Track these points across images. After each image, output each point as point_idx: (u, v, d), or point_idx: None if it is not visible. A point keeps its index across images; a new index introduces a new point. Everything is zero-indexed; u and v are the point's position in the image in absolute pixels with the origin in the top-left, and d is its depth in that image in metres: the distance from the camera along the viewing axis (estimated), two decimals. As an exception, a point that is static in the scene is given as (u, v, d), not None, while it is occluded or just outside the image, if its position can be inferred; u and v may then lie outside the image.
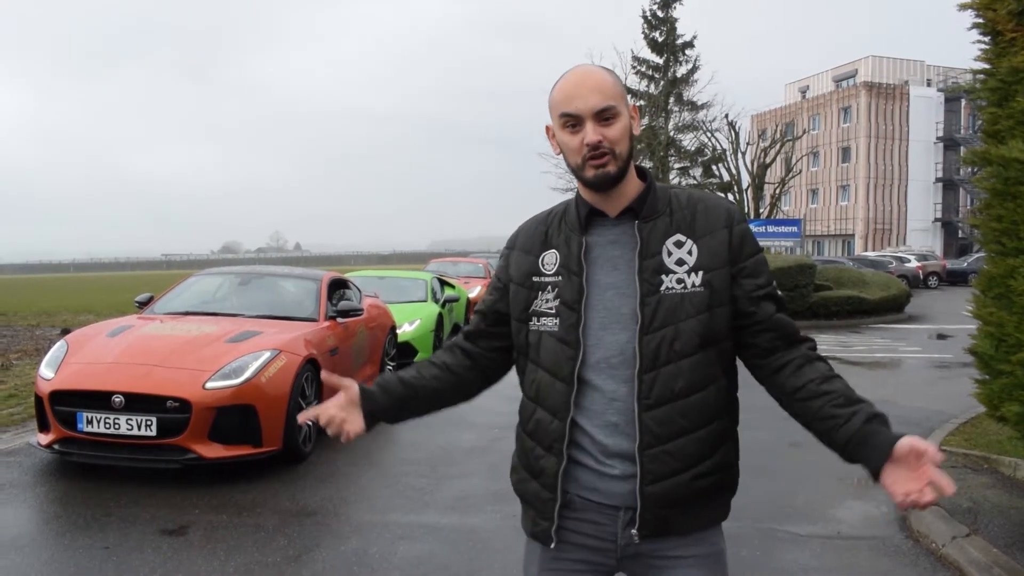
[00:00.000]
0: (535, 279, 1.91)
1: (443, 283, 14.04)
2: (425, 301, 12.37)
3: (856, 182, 55.70)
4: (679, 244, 1.82)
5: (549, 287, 1.89)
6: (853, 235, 55.91)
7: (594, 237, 1.88)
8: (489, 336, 2.07)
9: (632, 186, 1.87)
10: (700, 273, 1.80)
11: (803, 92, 63.76)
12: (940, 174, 55.60)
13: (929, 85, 57.50)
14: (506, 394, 8.35)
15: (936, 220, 56.16)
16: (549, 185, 36.94)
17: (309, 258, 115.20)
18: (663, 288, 1.79)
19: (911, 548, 4.64)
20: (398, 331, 10.13)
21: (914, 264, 34.42)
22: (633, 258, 1.82)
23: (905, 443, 1.64)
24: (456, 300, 13.60)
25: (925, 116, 55.40)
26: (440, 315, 12.09)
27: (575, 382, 1.83)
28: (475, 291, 16.80)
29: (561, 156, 1.87)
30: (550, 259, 1.91)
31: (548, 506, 1.88)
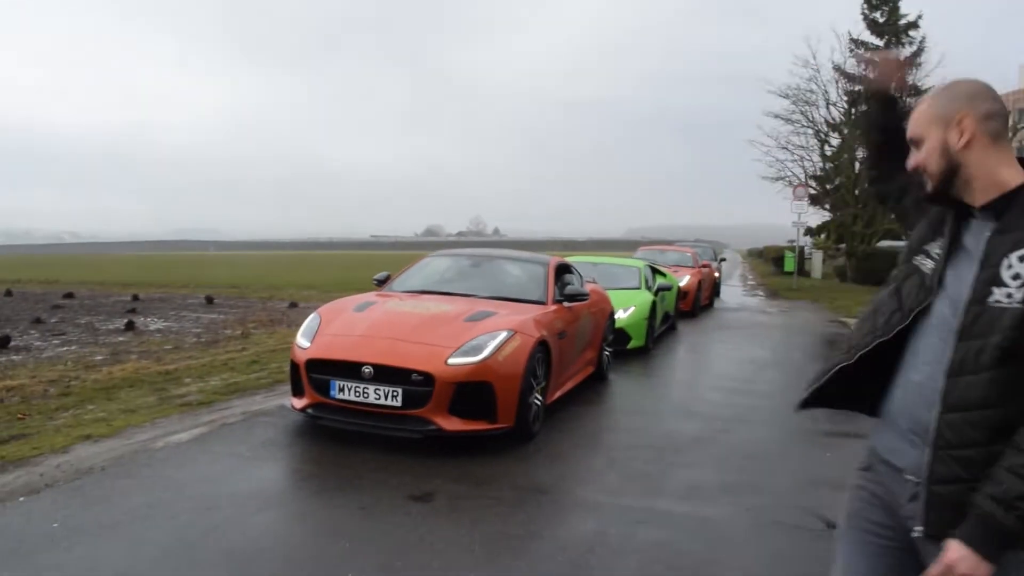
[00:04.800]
0: (925, 247, 2.02)
1: (655, 271, 13.95)
2: (639, 288, 12.32)
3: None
4: (1023, 259, 1.79)
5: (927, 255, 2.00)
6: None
7: (965, 232, 1.94)
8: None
9: (990, 184, 1.89)
10: None
11: (1042, 75, 58.30)
12: None
13: None
14: (728, 387, 8.32)
15: None
16: (759, 174, 35.79)
17: (507, 242, 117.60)
18: (990, 300, 1.79)
19: None
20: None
21: None
22: (974, 263, 1.85)
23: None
24: (668, 288, 13.47)
25: None
26: (654, 303, 12.03)
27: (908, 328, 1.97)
28: (684, 280, 16.54)
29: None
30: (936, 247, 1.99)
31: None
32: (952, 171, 1.92)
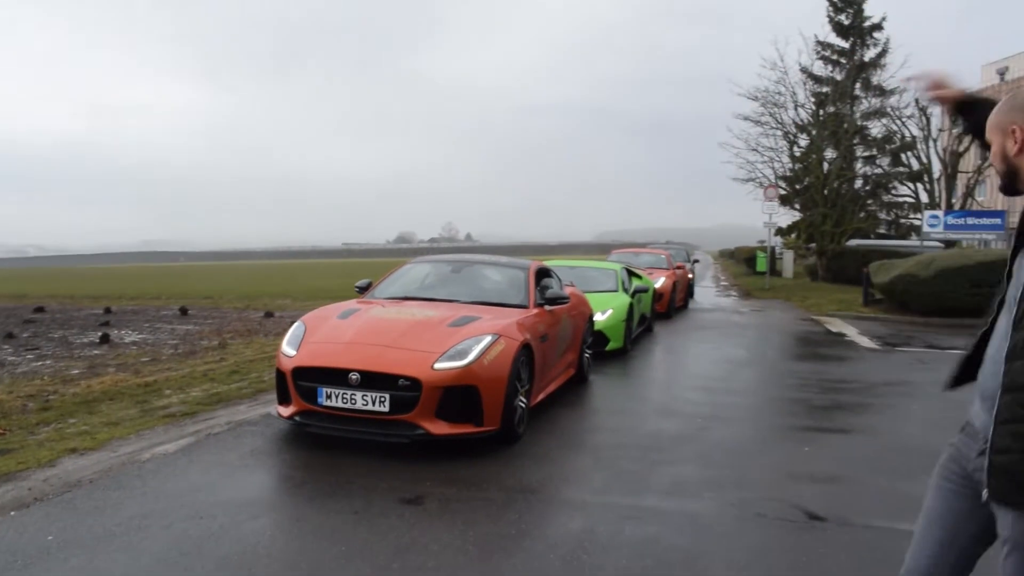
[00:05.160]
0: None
1: (631, 274, 14.09)
2: (616, 291, 12.47)
3: (1063, 170, 51.34)
4: None
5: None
6: (1058, 228, 51.66)
7: None
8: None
9: None
10: None
11: (1001, 74, 59.30)
12: None
13: None
14: (706, 386, 8.47)
15: None
16: (730, 175, 36.02)
17: (480, 248, 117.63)
18: None
19: None
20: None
21: None
22: None
23: None
24: (645, 291, 13.62)
25: None
26: (631, 305, 12.16)
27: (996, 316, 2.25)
28: (659, 282, 16.70)
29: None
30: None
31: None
32: (1012, 174, 2.17)
